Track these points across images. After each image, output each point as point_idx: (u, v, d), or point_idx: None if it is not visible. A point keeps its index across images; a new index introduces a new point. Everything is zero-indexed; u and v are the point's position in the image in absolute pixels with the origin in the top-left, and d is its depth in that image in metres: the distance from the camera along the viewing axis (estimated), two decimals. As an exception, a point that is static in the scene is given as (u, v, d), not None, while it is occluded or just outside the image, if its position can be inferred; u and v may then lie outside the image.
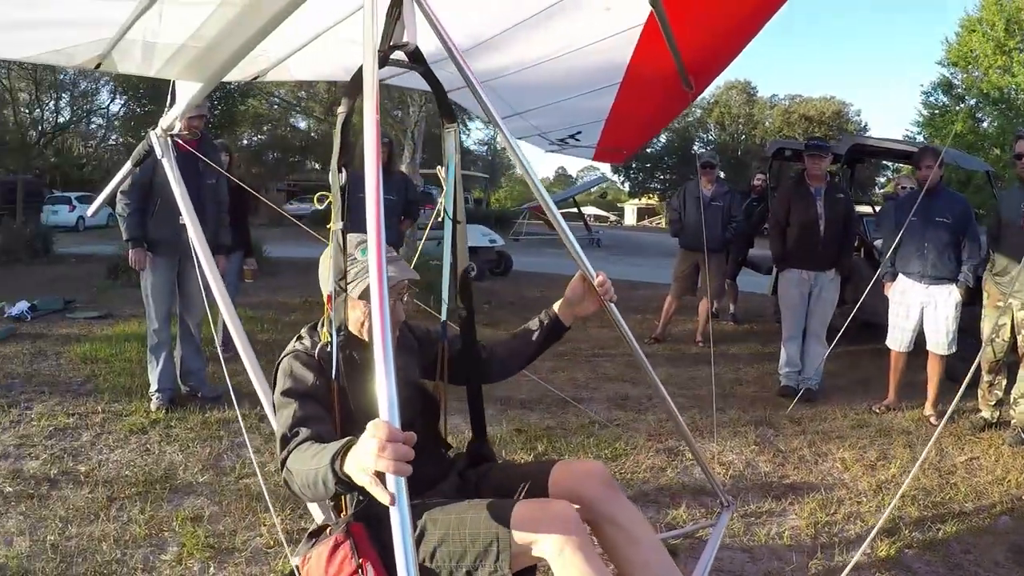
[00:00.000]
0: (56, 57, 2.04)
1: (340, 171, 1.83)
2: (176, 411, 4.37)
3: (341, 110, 1.82)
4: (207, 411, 4.39)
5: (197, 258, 4.65)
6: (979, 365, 4.93)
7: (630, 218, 60.01)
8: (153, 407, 4.36)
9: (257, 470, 2.89)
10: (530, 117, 5.27)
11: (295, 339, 2.02)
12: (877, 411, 5.20)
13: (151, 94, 24.16)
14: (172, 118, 2.54)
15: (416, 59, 1.86)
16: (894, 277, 5.25)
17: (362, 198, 5.30)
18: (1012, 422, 4.74)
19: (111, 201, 3.91)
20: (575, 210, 30.01)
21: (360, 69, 1.78)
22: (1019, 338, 4.69)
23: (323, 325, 1.96)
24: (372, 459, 1.26)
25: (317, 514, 2.38)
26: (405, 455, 1.25)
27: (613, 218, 53.59)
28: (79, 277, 10.40)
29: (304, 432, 1.73)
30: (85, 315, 7.46)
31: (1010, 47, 26.83)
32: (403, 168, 9.68)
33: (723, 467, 3.97)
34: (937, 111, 28.81)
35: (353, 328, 1.93)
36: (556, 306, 2.27)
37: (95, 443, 3.89)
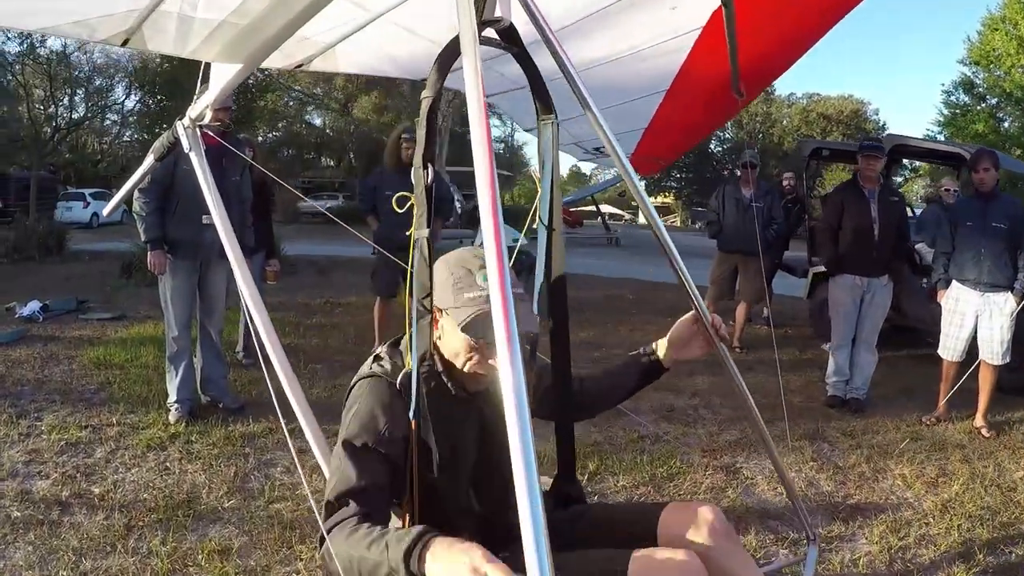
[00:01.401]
0: (77, 30, 1.78)
1: (425, 168, 1.52)
2: (196, 424, 4.12)
3: (427, 94, 1.52)
4: (230, 424, 4.14)
5: (224, 260, 4.43)
6: None
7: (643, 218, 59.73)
8: (172, 419, 4.11)
9: (308, 497, 2.65)
10: (570, 125, 5.06)
11: (372, 359, 1.74)
12: (928, 423, 4.95)
13: (167, 89, 24.07)
14: (203, 107, 2.26)
15: (510, 38, 1.58)
16: (947, 284, 4.98)
17: (389, 196, 4.93)
18: (1074, 435, 4.49)
19: (128, 199, 3.68)
20: (593, 208, 29.42)
21: (445, 49, 1.52)
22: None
23: (407, 347, 1.67)
24: None
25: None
26: None
27: (628, 216, 53.29)
28: (93, 275, 10.19)
29: (354, 507, 1.49)
30: (99, 316, 7.26)
31: None
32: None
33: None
34: (958, 110, 28.46)
35: (448, 355, 1.63)
36: (657, 346, 2.02)
37: (110, 460, 3.65)
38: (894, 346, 6.91)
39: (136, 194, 3.90)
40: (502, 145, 40.01)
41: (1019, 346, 4.89)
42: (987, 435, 4.71)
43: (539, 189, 1.94)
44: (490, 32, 1.55)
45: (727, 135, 45.71)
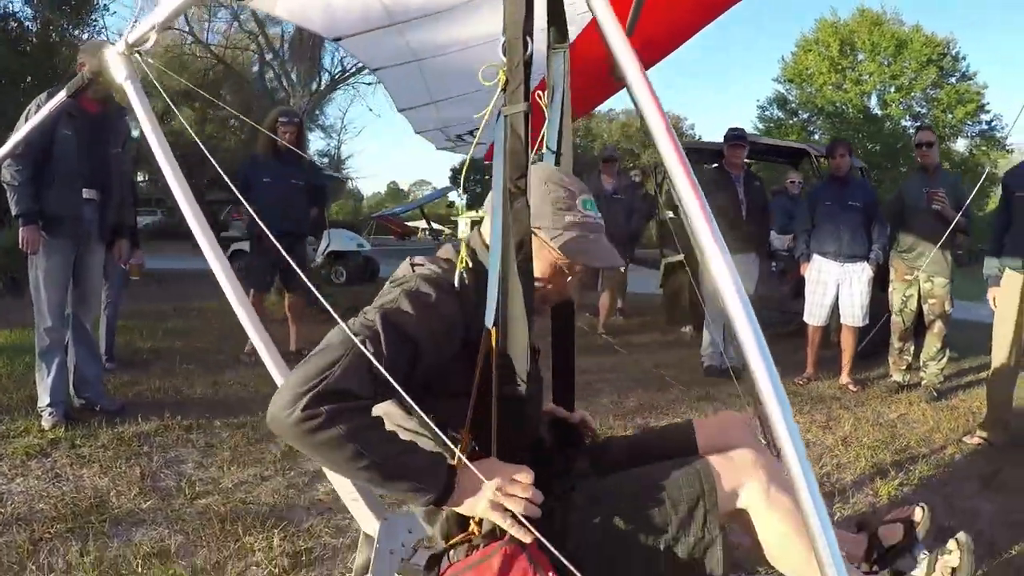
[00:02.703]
0: None
1: (525, 39, 1.32)
2: (77, 427, 3.57)
3: None
4: (117, 425, 3.64)
5: (102, 242, 3.87)
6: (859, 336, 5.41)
7: (464, 231, 60.88)
8: (47, 425, 3.54)
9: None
10: (443, 107, 5.08)
11: (407, 263, 1.52)
12: (799, 383, 5.41)
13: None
14: (146, 29, 1.86)
15: None
16: (809, 258, 5.50)
17: (268, 184, 4.72)
18: (923, 383, 5.13)
19: None
20: (423, 223, 29.47)
21: None
22: (925, 308, 5.06)
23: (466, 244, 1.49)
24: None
25: (366, 521, 1.93)
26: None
27: (448, 231, 54.04)
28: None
29: (367, 388, 1.25)
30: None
31: (843, 66, 30.04)
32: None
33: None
34: (772, 124, 31.48)
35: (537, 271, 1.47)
36: None
37: (-14, 473, 3.07)
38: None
39: (7, 162, 3.32)
40: (327, 159, 38.92)
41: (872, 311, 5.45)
42: (854, 389, 5.23)
43: (546, 116, 1.88)
44: None
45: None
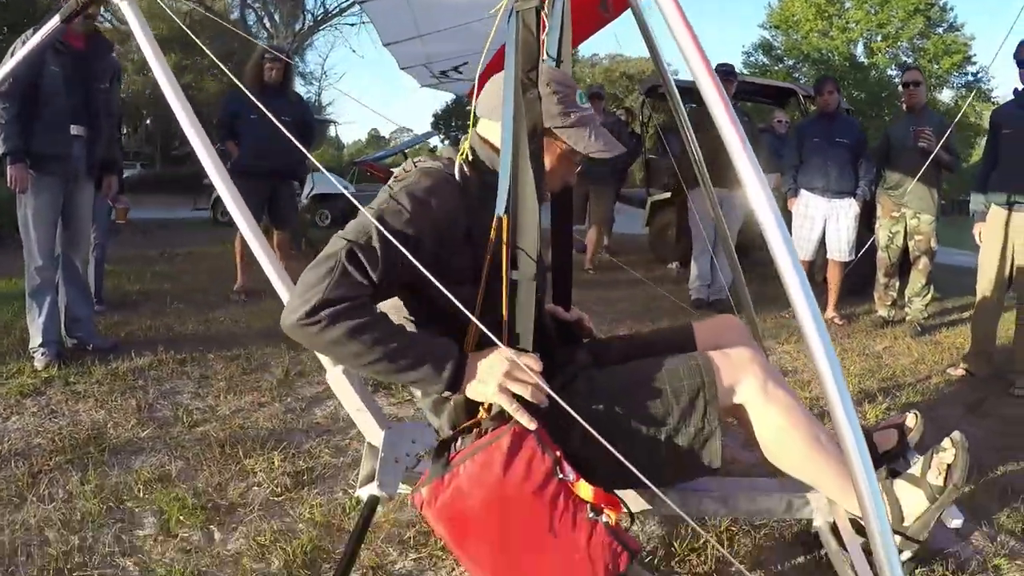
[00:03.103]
0: None
1: None
2: (71, 365, 3.56)
3: None
4: (110, 362, 3.63)
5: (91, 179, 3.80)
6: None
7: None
8: (39, 366, 3.50)
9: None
10: (429, 41, 4.98)
11: (409, 161, 1.55)
12: (788, 316, 5.46)
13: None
14: None
15: None
16: (797, 193, 5.52)
17: (256, 120, 4.64)
18: (907, 318, 5.21)
19: None
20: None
21: None
22: (910, 244, 5.12)
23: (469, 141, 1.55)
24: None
25: (371, 432, 1.95)
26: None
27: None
28: None
29: (364, 286, 1.30)
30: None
31: (830, 13, 29.76)
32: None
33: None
34: (757, 70, 31.32)
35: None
36: None
37: (-20, 413, 3.05)
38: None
39: None
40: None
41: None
42: (840, 323, 5.32)
43: (546, 25, 1.90)
44: None
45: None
